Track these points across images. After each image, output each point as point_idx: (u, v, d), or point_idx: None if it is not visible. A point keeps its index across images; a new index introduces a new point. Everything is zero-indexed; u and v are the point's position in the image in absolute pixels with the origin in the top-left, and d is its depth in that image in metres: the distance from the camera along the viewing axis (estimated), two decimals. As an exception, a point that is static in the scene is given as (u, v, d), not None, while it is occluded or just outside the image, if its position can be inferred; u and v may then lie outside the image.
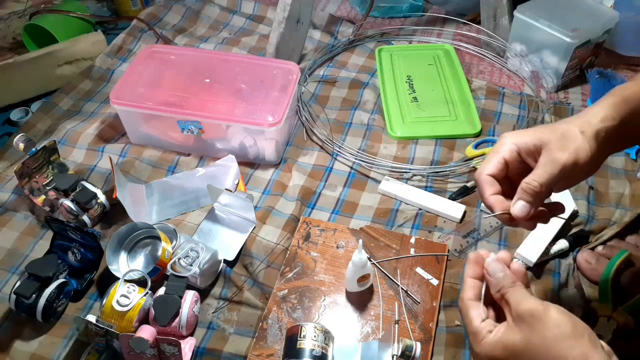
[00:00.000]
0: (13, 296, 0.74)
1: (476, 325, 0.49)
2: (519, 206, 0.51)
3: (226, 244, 0.86)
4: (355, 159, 0.99)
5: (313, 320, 0.77)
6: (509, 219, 0.53)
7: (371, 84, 1.18)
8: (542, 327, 0.44)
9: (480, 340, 0.48)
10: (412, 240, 0.86)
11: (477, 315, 0.49)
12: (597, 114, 0.53)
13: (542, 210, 0.54)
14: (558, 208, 0.56)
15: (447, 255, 0.84)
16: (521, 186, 0.51)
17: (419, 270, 0.82)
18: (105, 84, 1.19)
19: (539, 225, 0.55)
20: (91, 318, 0.70)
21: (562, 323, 0.44)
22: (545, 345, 0.44)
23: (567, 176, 0.51)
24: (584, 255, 0.80)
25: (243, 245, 0.85)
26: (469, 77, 1.19)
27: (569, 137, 0.51)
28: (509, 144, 0.54)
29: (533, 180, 0.51)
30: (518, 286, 0.48)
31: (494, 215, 0.53)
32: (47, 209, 0.90)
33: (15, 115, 1.13)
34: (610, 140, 0.52)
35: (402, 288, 0.80)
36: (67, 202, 0.86)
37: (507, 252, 0.53)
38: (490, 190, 0.53)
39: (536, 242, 0.82)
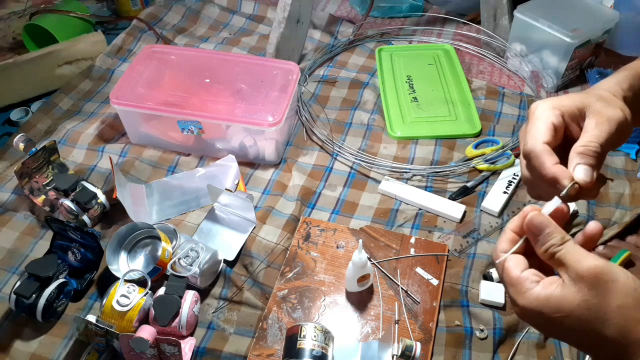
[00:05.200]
0: (13, 296, 0.74)
1: (516, 275, 0.41)
2: (581, 170, 0.43)
3: (226, 244, 0.86)
4: (355, 159, 0.99)
5: (313, 320, 0.77)
6: (576, 192, 0.44)
7: (371, 84, 1.18)
8: (607, 292, 0.38)
9: (525, 292, 0.41)
10: (412, 240, 0.86)
11: (516, 264, 0.42)
12: (620, 83, 0.49)
13: (600, 175, 0.47)
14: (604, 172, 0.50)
15: (447, 255, 0.84)
16: (577, 150, 0.44)
17: (419, 270, 0.82)
18: (105, 84, 1.19)
19: None
20: (91, 318, 0.70)
21: (631, 291, 0.38)
22: (608, 314, 0.38)
23: (620, 135, 0.46)
24: None
25: (243, 245, 0.85)
26: (469, 77, 1.19)
27: (608, 98, 0.47)
28: (550, 108, 0.47)
29: (591, 141, 0.44)
30: (570, 243, 0.41)
31: (564, 193, 0.43)
32: (47, 209, 0.90)
33: (15, 115, 1.13)
34: (632, 110, 0.48)
35: (402, 288, 0.80)
36: (67, 202, 0.86)
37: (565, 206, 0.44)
38: (551, 160, 0.44)
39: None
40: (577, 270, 0.39)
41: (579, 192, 0.44)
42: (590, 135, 0.45)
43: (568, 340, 0.43)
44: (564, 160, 0.45)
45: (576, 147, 0.45)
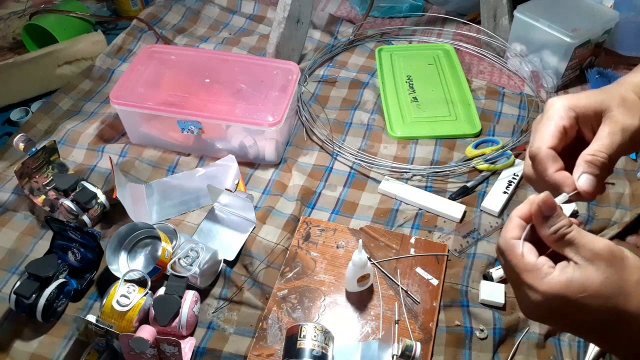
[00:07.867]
0: (13, 296, 0.74)
1: (533, 262, 0.41)
2: (585, 180, 0.44)
3: (226, 244, 0.86)
4: (355, 159, 0.99)
5: (313, 320, 0.77)
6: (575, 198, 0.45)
7: (371, 84, 1.18)
8: (623, 268, 0.39)
9: (544, 277, 0.40)
10: (412, 240, 0.86)
11: (530, 250, 0.42)
12: None
13: (603, 184, 0.47)
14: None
15: (447, 255, 0.84)
16: (585, 158, 0.45)
17: (419, 270, 0.82)
18: (105, 84, 1.19)
19: None
20: (91, 318, 0.70)
21: None
22: (629, 288, 0.39)
23: (633, 143, 0.45)
24: None
25: (243, 245, 0.85)
26: (469, 77, 1.19)
27: (630, 101, 0.45)
28: (564, 109, 0.46)
29: (600, 151, 0.44)
30: (577, 227, 0.41)
31: (566, 199, 0.44)
32: (47, 209, 0.89)
33: (15, 115, 1.13)
34: None
35: (402, 288, 0.80)
36: (67, 202, 0.86)
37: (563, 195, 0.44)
38: (554, 166, 0.45)
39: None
40: (592, 250, 0.40)
41: (582, 198, 0.45)
42: (601, 144, 0.44)
43: (585, 330, 0.42)
44: (571, 160, 0.45)
45: (585, 155, 0.45)
